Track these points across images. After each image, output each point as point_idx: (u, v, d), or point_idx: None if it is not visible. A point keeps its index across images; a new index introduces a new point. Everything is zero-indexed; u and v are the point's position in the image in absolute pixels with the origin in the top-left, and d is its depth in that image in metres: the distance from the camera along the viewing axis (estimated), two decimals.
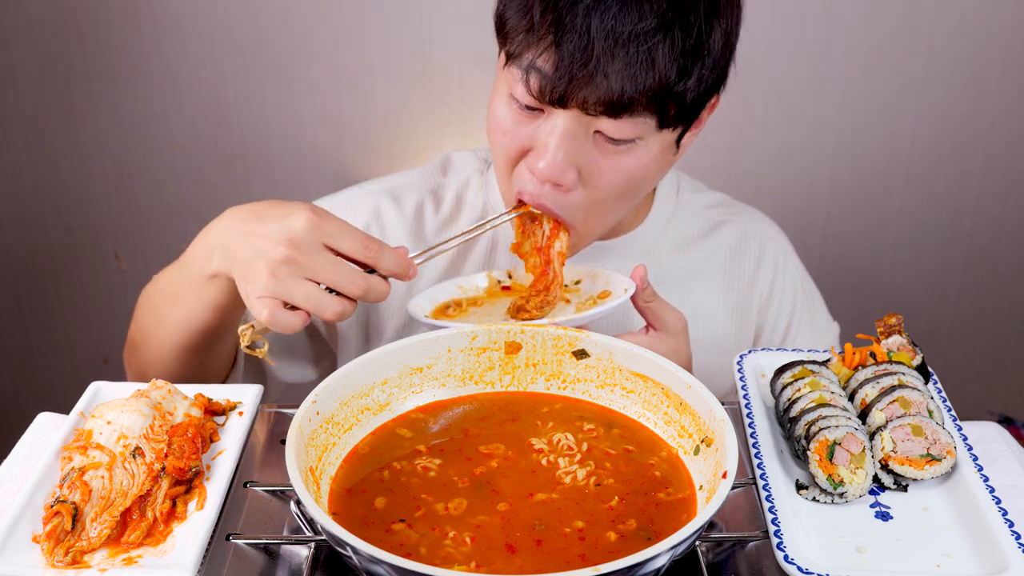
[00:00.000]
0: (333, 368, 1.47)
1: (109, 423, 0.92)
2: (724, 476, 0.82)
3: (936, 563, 0.86)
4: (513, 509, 0.88)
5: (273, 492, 0.95)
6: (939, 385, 1.09)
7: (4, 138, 2.41)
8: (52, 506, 0.85)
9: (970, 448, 0.99)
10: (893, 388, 0.99)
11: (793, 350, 1.16)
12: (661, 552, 0.73)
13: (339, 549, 0.78)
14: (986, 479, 0.94)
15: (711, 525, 0.92)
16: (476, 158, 1.49)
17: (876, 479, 0.95)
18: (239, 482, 0.95)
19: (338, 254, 1.06)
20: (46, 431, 1.03)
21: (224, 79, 2.36)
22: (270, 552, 0.88)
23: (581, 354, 1.05)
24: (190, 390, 1.03)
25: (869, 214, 2.53)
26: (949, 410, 1.05)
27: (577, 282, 1.33)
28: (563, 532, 0.85)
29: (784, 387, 1.03)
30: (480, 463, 0.94)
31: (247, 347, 1.11)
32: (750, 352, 1.15)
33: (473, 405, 1.04)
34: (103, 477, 0.88)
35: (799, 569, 0.83)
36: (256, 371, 1.39)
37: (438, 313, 1.26)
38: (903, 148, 2.46)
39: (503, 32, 1.18)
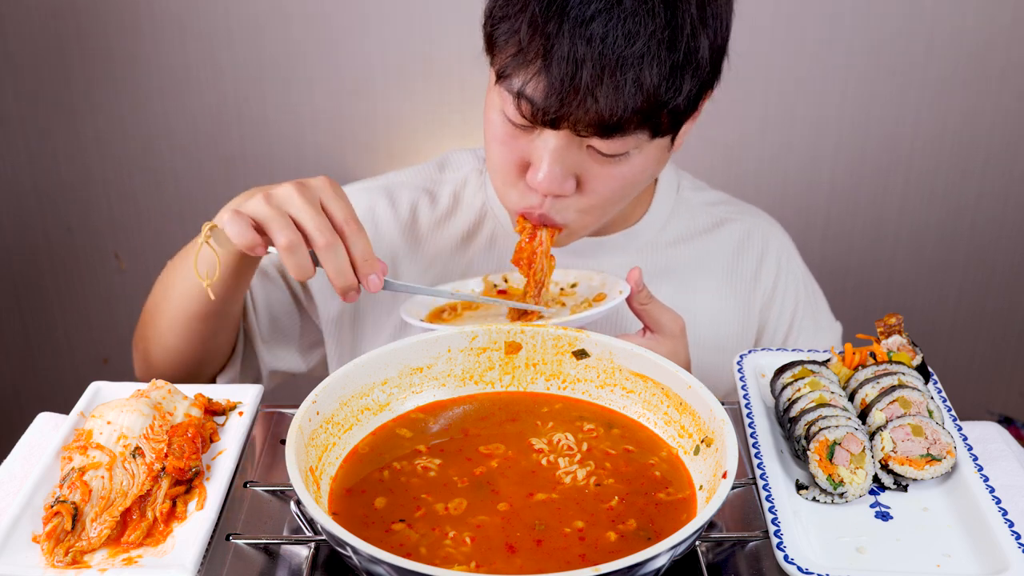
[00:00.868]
0: (322, 363, 1.48)
1: (109, 423, 0.92)
2: (724, 476, 0.82)
3: (936, 563, 0.86)
4: (513, 509, 0.88)
5: (273, 492, 0.95)
6: (939, 385, 1.09)
7: (4, 138, 2.41)
8: (52, 506, 0.85)
9: (970, 448, 0.99)
10: (893, 388, 0.99)
11: (794, 350, 1.16)
12: (661, 552, 0.73)
13: (339, 549, 0.78)
14: (986, 479, 0.94)
15: (711, 525, 0.92)
16: (475, 157, 1.49)
17: (876, 479, 0.95)
18: (239, 482, 0.95)
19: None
20: (46, 431, 1.03)
21: (224, 79, 2.36)
22: (270, 552, 0.88)
23: (581, 354, 1.05)
24: (190, 390, 1.03)
25: (869, 214, 2.53)
26: (949, 410, 1.05)
27: (573, 285, 1.32)
28: (563, 532, 0.85)
29: (784, 387, 1.03)
30: (480, 463, 0.94)
31: (204, 241, 1.11)
32: (750, 352, 1.15)
33: (473, 405, 1.04)
34: (103, 477, 0.88)
35: (799, 569, 0.82)
36: (251, 365, 1.40)
37: (433, 317, 1.26)
38: (903, 148, 2.45)
39: (492, 51, 1.19)
